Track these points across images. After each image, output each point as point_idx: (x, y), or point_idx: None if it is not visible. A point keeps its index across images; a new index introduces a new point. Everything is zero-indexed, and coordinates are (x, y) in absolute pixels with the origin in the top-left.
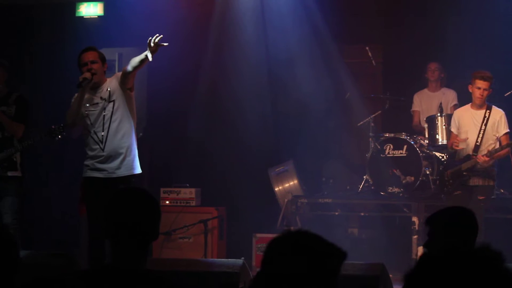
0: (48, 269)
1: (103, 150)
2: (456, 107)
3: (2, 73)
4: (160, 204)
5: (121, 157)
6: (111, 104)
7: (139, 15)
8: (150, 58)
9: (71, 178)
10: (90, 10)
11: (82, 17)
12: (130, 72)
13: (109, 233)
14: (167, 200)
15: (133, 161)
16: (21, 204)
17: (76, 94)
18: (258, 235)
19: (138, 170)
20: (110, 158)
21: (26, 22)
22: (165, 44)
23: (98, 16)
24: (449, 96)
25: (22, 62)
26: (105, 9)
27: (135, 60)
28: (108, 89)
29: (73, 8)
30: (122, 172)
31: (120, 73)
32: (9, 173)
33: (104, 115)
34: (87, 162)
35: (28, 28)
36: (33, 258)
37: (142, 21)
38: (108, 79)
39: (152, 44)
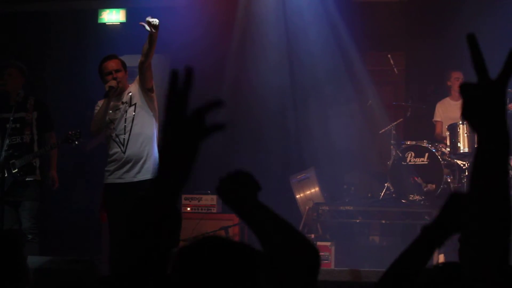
0: (69, 275)
1: (124, 153)
2: None
3: (19, 77)
4: (181, 211)
5: (142, 161)
6: (132, 108)
7: (161, 21)
8: (154, 33)
9: (93, 183)
10: (112, 17)
11: (104, 23)
12: (144, 62)
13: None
14: (188, 207)
15: (154, 165)
16: (40, 208)
17: (98, 102)
18: None
19: None
20: (130, 161)
21: (49, 29)
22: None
23: (121, 22)
24: None
25: (44, 69)
26: (128, 15)
27: (144, 47)
28: (130, 93)
29: (96, 14)
30: (143, 176)
31: (137, 78)
32: (28, 178)
33: (125, 118)
34: (108, 168)
35: (50, 34)
36: (54, 264)
37: (165, 27)
38: (130, 85)
39: (148, 28)
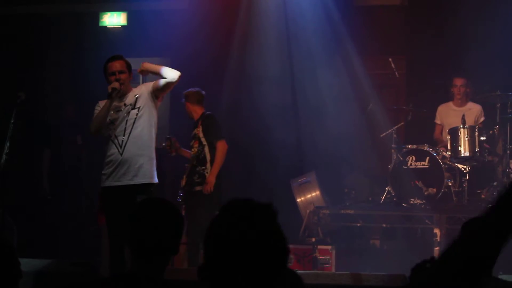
0: (69, 278)
1: (121, 154)
2: (484, 123)
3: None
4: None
5: (138, 164)
6: (135, 111)
7: (162, 25)
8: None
9: (92, 187)
10: (113, 20)
11: (105, 26)
12: (170, 86)
13: (132, 245)
14: None
15: (151, 170)
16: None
17: (99, 102)
18: None
19: (155, 179)
20: (126, 163)
21: (50, 31)
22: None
23: (122, 26)
24: (475, 111)
25: (45, 71)
26: (129, 19)
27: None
28: (136, 96)
29: (97, 17)
30: (140, 180)
31: (152, 84)
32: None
33: (127, 120)
34: (105, 171)
35: (51, 37)
36: (55, 266)
37: (165, 31)
38: (136, 88)
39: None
